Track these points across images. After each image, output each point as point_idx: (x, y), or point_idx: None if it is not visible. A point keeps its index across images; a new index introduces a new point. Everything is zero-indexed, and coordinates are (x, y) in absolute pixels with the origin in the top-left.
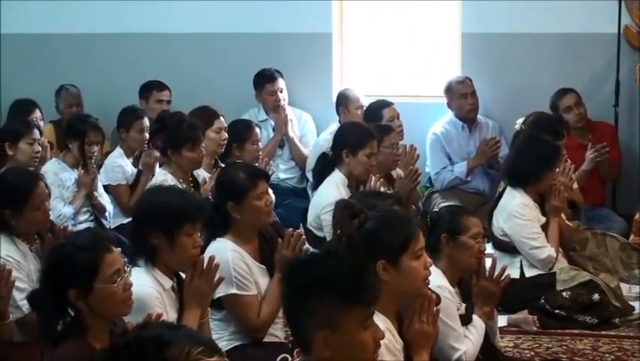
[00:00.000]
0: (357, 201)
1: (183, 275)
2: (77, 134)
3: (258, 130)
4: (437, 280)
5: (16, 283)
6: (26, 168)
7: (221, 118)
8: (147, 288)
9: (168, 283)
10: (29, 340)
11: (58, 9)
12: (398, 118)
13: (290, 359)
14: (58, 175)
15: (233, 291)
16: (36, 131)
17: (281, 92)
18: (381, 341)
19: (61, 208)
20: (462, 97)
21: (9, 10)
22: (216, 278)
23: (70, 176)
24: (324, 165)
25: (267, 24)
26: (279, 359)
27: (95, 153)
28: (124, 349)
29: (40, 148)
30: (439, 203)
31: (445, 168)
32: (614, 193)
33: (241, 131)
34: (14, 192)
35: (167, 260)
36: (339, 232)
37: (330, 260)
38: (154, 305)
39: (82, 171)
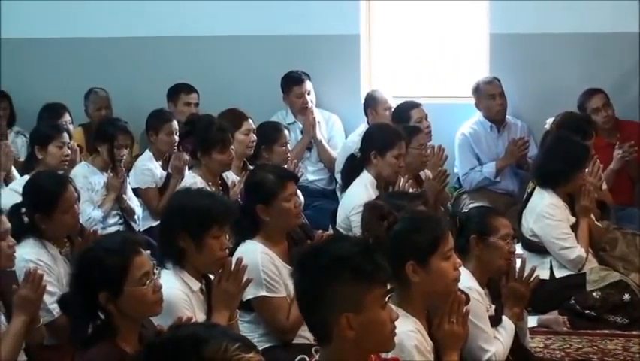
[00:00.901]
0: (386, 203)
1: (212, 277)
2: (107, 138)
3: (286, 132)
4: (466, 281)
5: (47, 287)
6: (56, 171)
7: (250, 120)
8: (175, 291)
9: (196, 285)
10: (60, 343)
11: (88, 13)
12: (426, 119)
13: (308, 359)
14: (88, 178)
15: (263, 293)
16: (65, 135)
17: (308, 94)
18: (412, 342)
19: (91, 212)
20: (490, 97)
21: (40, 14)
22: (244, 280)
23: (100, 179)
24: (353, 167)
25: (294, 26)
26: (297, 359)
27: (124, 156)
28: (161, 347)
29: (69, 151)
30: (468, 204)
31: (473, 168)
32: None
33: (270, 133)
34: (44, 196)
35: (195, 262)
36: (367, 233)
37: (342, 243)
38: (182, 308)
39: (111, 174)
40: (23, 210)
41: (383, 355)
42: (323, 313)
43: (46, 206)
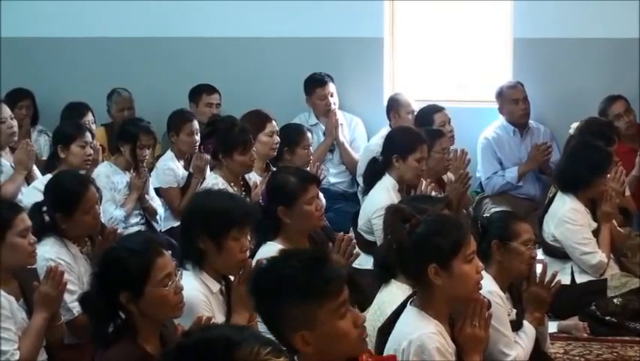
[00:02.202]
0: (408, 206)
1: (232, 278)
2: (129, 138)
3: (309, 134)
4: (488, 285)
5: (67, 286)
6: (78, 171)
7: (273, 122)
8: (194, 292)
9: (216, 286)
10: (80, 342)
11: (112, 13)
12: (449, 123)
13: None
14: (110, 178)
15: None
16: (88, 134)
17: (331, 96)
18: (433, 344)
19: (113, 211)
20: (513, 102)
21: (65, 15)
22: None
23: (122, 179)
24: (375, 170)
25: (318, 29)
26: None
27: (147, 157)
28: (192, 348)
29: (92, 151)
30: (490, 208)
31: (496, 173)
32: None
33: (293, 135)
34: (65, 195)
35: (215, 264)
36: (389, 236)
37: (287, 261)
38: (201, 309)
39: (133, 174)
40: (44, 209)
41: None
42: (279, 331)
43: (67, 206)
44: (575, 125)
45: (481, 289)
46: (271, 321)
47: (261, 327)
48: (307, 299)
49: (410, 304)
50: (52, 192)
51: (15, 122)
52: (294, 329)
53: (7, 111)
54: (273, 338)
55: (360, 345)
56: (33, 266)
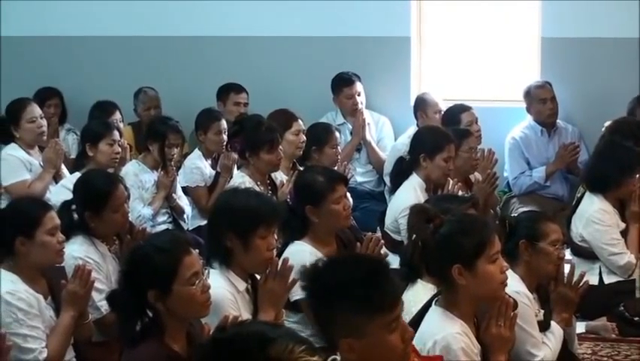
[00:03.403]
0: (432, 206)
1: (259, 277)
2: (158, 136)
3: (337, 134)
4: (515, 285)
5: (95, 284)
6: (106, 170)
7: (300, 121)
8: (221, 290)
9: (242, 285)
10: (108, 340)
11: (140, 12)
12: (476, 122)
13: (339, 359)
14: (138, 176)
15: None
16: (116, 133)
17: (359, 95)
18: (459, 345)
19: (141, 209)
20: (541, 102)
21: (93, 13)
22: (290, 280)
23: (150, 177)
24: (402, 169)
25: (346, 28)
26: (329, 359)
27: (175, 155)
28: (227, 342)
29: (120, 149)
30: (517, 208)
31: (523, 172)
32: None
33: (320, 134)
34: (94, 194)
35: (242, 262)
36: (414, 236)
37: (345, 267)
38: (227, 308)
39: (162, 173)
40: (73, 207)
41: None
42: (326, 331)
43: (96, 204)
44: (607, 124)
45: (505, 289)
46: (320, 319)
47: (289, 326)
48: (362, 311)
49: (435, 303)
50: (80, 191)
51: (44, 122)
52: (342, 335)
53: (36, 110)
54: (308, 339)
55: (403, 359)
56: (61, 265)
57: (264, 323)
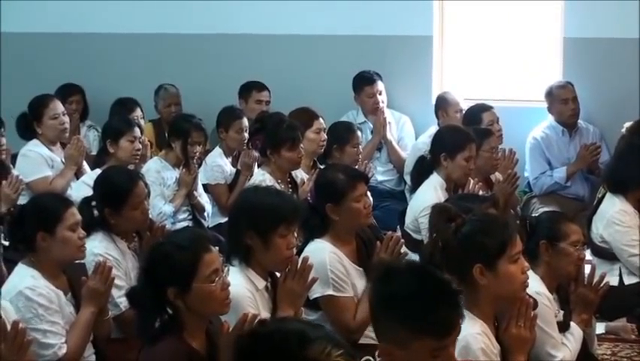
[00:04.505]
0: (454, 205)
1: (278, 275)
2: (181, 134)
3: (359, 133)
4: (535, 286)
5: (115, 281)
6: (127, 167)
7: (321, 119)
8: (239, 288)
9: (262, 283)
10: (127, 336)
11: (161, 9)
12: (497, 122)
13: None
14: (160, 173)
15: (330, 292)
16: (137, 130)
17: (380, 94)
18: (478, 345)
19: (162, 206)
20: (563, 102)
21: (114, 11)
22: (310, 279)
23: (172, 175)
24: (422, 168)
25: (367, 27)
26: (363, 360)
27: (197, 153)
28: (267, 337)
29: (140, 146)
30: (538, 208)
31: (544, 172)
32: None
33: (342, 133)
34: (114, 191)
35: (262, 260)
36: (435, 235)
37: (412, 277)
38: (246, 305)
39: (183, 170)
40: (93, 203)
41: None
42: (378, 331)
43: (116, 201)
44: (627, 124)
45: (526, 289)
46: (372, 313)
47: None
48: (410, 327)
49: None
50: (101, 188)
51: (67, 119)
52: (386, 339)
53: (59, 107)
54: (347, 344)
55: None
56: (81, 261)
57: (306, 323)
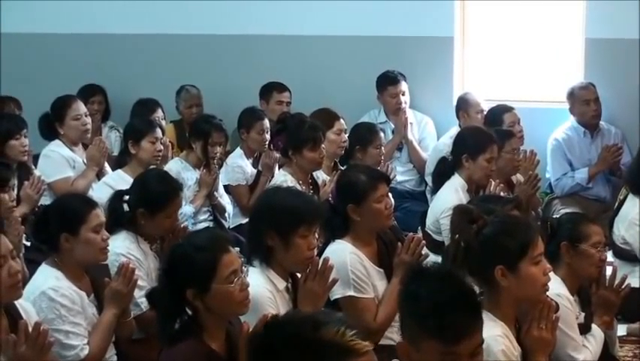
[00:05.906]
0: (476, 207)
1: (299, 276)
2: (201, 135)
3: (381, 134)
4: (557, 288)
5: (137, 281)
6: (148, 166)
7: (342, 120)
8: (260, 288)
9: (282, 283)
10: (148, 336)
11: (181, 10)
12: (519, 123)
13: None
14: (181, 174)
15: (351, 293)
16: (158, 130)
17: (403, 94)
18: (499, 347)
19: (182, 207)
20: (585, 103)
21: (135, 11)
22: (331, 279)
23: (193, 175)
24: (444, 169)
25: (389, 27)
26: None
27: (218, 154)
28: (280, 327)
29: (162, 147)
30: (559, 209)
31: (565, 174)
32: None
33: (365, 134)
34: (155, 196)
35: (282, 261)
36: (457, 237)
37: (434, 280)
38: (266, 306)
39: (204, 171)
40: (126, 197)
41: None
42: (402, 328)
43: (153, 206)
44: None
45: (548, 291)
46: (400, 310)
47: None
48: (424, 328)
49: None
50: (142, 188)
51: (89, 120)
52: (405, 337)
53: (81, 108)
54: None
55: None
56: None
57: (318, 312)
